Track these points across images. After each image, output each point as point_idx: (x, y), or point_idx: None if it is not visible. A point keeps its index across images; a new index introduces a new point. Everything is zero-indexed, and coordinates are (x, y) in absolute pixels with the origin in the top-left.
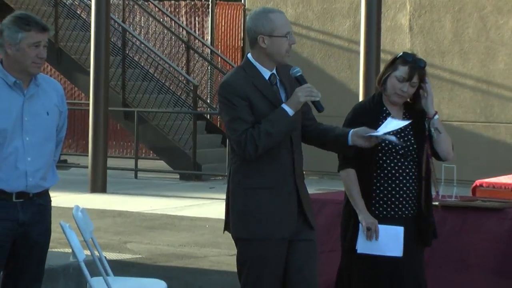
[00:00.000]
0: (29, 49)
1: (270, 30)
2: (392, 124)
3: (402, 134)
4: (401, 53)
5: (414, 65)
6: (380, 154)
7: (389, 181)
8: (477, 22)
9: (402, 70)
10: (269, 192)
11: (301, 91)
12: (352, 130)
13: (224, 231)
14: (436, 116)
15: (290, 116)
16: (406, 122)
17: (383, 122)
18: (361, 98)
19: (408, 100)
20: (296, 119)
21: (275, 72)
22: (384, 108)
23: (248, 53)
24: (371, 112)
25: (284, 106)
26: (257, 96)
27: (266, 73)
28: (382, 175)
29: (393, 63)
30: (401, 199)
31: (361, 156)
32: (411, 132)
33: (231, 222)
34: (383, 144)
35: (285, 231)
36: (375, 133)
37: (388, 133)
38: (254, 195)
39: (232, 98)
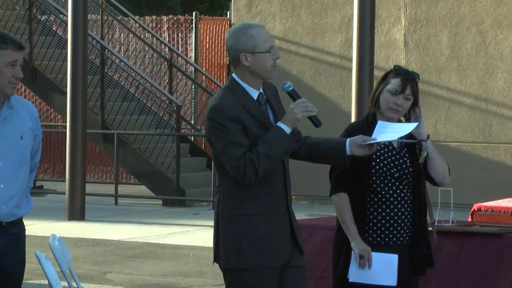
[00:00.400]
0: (5, 68)
1: (252, 46)
2: (392, 128)
3: (398, 157)
4: (392, 67)
5: (407, 76)
6: (374, 178)
7: (383, 206)
8: (476, 37)
9: (394, 83)
10: (264, 218)
11: (296, 107)
12: (349, 139)
13: (214, 262)
14: (428, 141)
15: (288, 135)
16: (410, 125)
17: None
18: (353, 118)
19: (402, 119)
20: (292, 138)
21: (262, 91)
22: None
23: (232, 72)
24: (365, 132)
25: (280, 124)
26: (248, 117)
27: (254, 93)
28: (376, 199)
29: (385, 78)
30: (395, 225)
31: (354, 180)
32: (407, 155)
33: (221, 252)
34: (377, 167)
35: (280, 259)
36: (373, 141)
37: (394, 139)
38: (248, 222)
39: (225, 122)
